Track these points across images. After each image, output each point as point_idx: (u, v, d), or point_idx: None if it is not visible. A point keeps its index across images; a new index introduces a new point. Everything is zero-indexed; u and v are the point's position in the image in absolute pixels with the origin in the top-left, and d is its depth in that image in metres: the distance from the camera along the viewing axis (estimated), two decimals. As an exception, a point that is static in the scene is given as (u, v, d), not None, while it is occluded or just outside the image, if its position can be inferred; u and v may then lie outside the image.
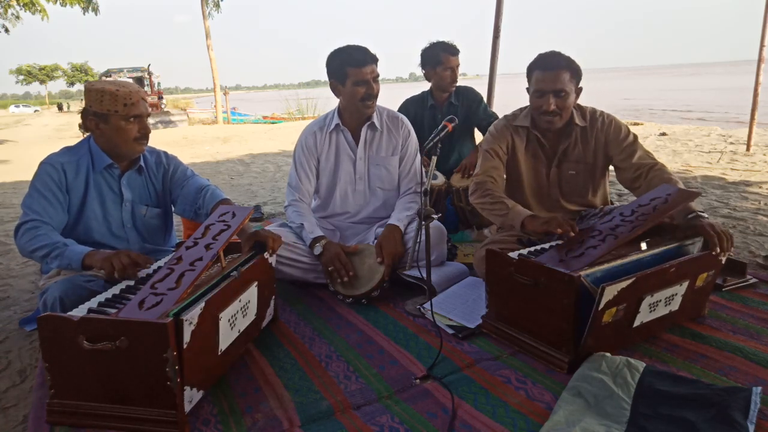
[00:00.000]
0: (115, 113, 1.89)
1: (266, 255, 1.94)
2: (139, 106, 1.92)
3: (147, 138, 2.01)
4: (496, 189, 2.27)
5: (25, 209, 1.89)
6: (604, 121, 2.29)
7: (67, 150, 2.04)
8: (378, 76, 2.39)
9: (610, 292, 1.56)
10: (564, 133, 2.30)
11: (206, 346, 1.55)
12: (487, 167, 2.33)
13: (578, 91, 2.23)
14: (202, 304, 1.47)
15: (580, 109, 2.31)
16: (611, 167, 2.37)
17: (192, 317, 1.41)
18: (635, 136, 2.27)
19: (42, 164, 1.97)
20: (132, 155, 2.04)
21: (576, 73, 2.17)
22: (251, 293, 1.81)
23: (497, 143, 2.35)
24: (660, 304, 1.76)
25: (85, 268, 1.78)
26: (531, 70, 2.21)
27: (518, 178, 2.40)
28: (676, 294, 1.79)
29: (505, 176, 2.38)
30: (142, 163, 2.09)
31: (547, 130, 2.29)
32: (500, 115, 3.35)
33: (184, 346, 1.40)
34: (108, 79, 1.98)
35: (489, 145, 2.37)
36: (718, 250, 1.82)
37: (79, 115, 1.97)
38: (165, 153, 2.22)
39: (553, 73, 2.13)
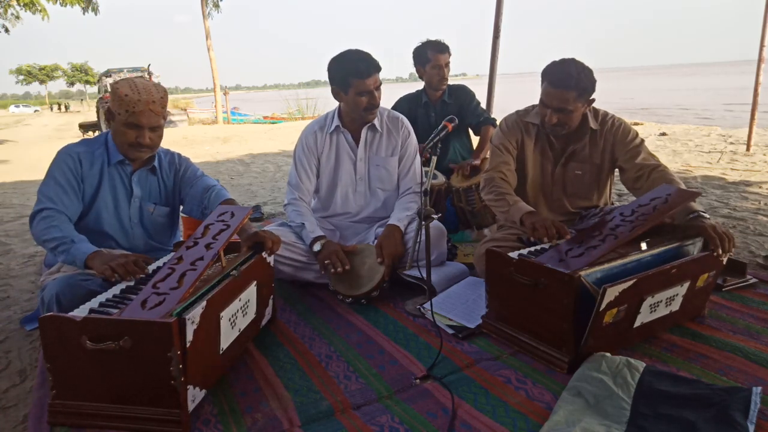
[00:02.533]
0: (118, 115, 1.90)
1: (264, 255, 1.94)
2: (140, 116, 1.88)
3: (143, 147, 1.95)
4: (503, 185, 2.28)
5: (41, 196, 1.91)
6: (614, 124, 2.30)
7: (85, 141, 2.07)
8: (380, 84, 2.37)
9: (612, 293, 1.56)
10: (576, 135, 2.30)
11: (208, 346, 1.56)
12: (497, 162, 2.35)
13: (589, 102, 2.19)
14: (204, 303, 1.47)
15: (595, 111, 2.31)
16: (616, 171, 2.37)
17: (194, 316, 1.42)
18: (642, 140, 2.28)
19: (59, 153, 1.99)
20: (130, 157, 2.03)
21: (584, 92, 2.11)
22: (251, 292, 1.82)
23: (507, 139, 2.36)
24: (661, 304, 1.76)
25: (87, 268, 1.79)
26: (543, 77, 2.18)
27: (524, 174, 2.40)
28: (677, 295, 1.79)
29: (514, 170, 2.38)
30: (156, 163, 2.11)
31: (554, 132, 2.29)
32: (497, 116, 3.35)
33: (187, 344, 1.40)
34: (131, 77, 1.97)
35: (499, 141, 2.38)
36: (720, 251, 1.83)
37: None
38: (179, 155, 2.25)
39: (557, 92, 2.10)
